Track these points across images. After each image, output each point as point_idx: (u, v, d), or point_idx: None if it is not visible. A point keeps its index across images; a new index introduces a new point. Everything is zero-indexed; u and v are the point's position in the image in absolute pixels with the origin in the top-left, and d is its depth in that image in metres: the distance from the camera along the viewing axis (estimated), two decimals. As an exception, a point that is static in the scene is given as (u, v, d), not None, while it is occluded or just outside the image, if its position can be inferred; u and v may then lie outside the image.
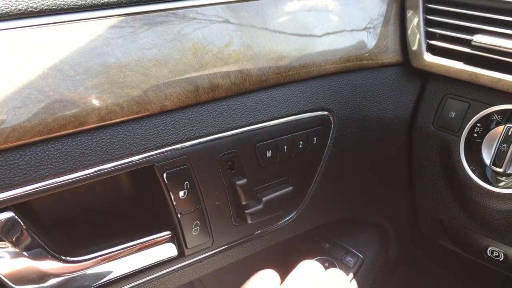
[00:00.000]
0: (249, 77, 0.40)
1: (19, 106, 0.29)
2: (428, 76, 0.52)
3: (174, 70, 0.36)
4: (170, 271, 0.39)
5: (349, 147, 0.49)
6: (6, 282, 0.30)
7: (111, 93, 0.33)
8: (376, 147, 0.52)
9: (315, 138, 0.46)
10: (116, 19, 0.34)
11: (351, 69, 0.48)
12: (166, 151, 0.36)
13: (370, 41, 0.50)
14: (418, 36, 0.51)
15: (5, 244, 0.30)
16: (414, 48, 0.51)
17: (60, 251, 0.32)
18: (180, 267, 0.40)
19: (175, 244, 0.39)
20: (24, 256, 0.30)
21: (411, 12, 0.52)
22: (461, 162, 0.48)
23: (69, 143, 0.32)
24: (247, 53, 0.40)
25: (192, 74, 0.37)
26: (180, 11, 0.37)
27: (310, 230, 0.57)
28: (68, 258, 0.32)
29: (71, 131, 0.31)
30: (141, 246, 0.37)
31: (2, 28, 0.30)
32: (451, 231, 0.58)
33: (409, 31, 0.52)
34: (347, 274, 0.53)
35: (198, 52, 0.37)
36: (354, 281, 0.53)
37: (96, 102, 0.32)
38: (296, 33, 0.44)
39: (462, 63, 0.48)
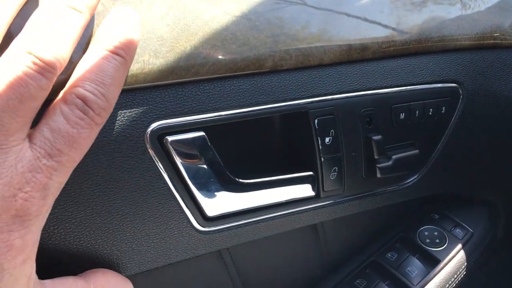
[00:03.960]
0: (394, 43, 0.44)
1: (218, 45, 0.35)
2: (561, 60, 0.53)
3: (333, 30, 0.41)
4: (306, 209, 0.44)
5: (474, 121, 0.51)
6: (192, 189, 0.37)
7: (284, 43, 0.38)
8: (500, 125, 0.53)
9: (443, 108, 0.49)
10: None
11: (485, 46, 0.50)
12: (319, 100, 0.41)
13: (505, 21, 0.51)
14: (553, 21, 0.52)
15: (195, 159, 0.36)
16: (549, 31, 0.52)
17: (233, 173, 0.38)
18: (315, 207, 0.45)
19: (314, 185, 0.44)
20: (209, 172, 0.37)
21: (548, -4, 0.52)
22: None
23: (249, 82, 0.37)
24: (394, 20, 0.44)
25: (347, 35, 0.41)
26: None
27: (420, 201, 0.60)
28: (239, 180, 0.39)
29: (252, 72, 0.37)
30: (289, 180, 0.42)
31: (208, -19, 0.36)
32: None
33: (545, 14, 0.52)
34: (456, 245, 0.56)
35: (353, 16, 0.42)
36: (462, 252, 0.55)
37: (272, 49, 0.38)
38: (439, 7, 0.47)
39: None
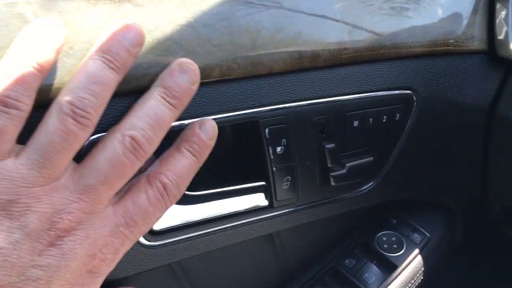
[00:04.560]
0: (346, 51, 0.44)
1: (162, 55, 0.34)
2: (512, 65, 0.54)
3: (283, 37, 0.40)
4: (260, 219, 0.44)
5: (428, 127, 0.52)
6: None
7: (231, 52, 0.37)
8: (454, 131, 0.54)
9: (397, 114, 0.49)
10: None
11: (438, 53, 0.51)
12: (270, 110, 0.40)
13: (458, 28, 0.52)
14: (505, 28, 0.53)
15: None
16: (501, 37, 0.53)
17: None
18: (268, 217, 0.44)
19: (267, 194, 0.43)
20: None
21: (500, 5, 0.53)
22: (540, 150, 0.49)
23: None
24: (346, 27, 0.44)
25: (297, 42, 0.41)
26: None
27: (378, 206, 0.60)
28: (187, 192, 0.38)
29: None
30: (240, 191, 0.41)
31: (151, -12, 0.35)
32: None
33: (496, 21, 0.53)
34: (413, 250, 0.56)
35: (305, 23, 0.41)
36: (419, 256, 0.55)
37: (219, 58, 0.37)
38: (392, 15, 0.47)
39: (550, 54, 0.49)
